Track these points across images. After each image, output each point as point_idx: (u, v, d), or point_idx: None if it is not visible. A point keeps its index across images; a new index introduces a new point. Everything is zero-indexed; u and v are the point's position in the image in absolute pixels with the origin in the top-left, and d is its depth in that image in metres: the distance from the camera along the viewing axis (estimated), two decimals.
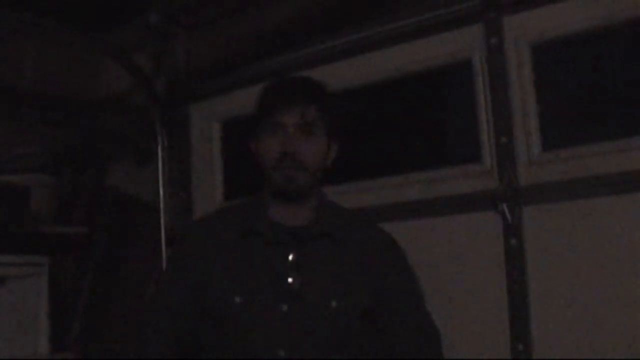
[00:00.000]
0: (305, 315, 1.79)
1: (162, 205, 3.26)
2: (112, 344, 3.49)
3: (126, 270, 3.58)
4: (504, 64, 2.40)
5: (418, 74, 2.63)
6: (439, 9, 2.51)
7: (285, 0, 2.93)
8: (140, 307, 3.38)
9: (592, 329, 2.18)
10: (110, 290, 3.62)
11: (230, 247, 1.87)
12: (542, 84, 2.38)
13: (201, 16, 3.33)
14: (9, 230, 3.29)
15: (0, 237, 3.23)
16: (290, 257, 1.82)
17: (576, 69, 2.40)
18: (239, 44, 3.16)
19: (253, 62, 3.07)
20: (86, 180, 3.84)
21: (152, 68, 3.45)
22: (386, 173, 2.70)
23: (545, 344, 2.26)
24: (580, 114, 2.40)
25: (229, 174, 3.25)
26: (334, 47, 2.79)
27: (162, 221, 3.24)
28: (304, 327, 1.79)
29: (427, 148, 2.76)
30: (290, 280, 1.80)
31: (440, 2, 2.51)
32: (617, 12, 2.20)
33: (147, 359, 1.90)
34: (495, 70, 2.41)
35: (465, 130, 2.54)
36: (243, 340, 1.80)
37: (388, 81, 2.70)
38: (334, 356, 1.82)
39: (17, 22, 3.05)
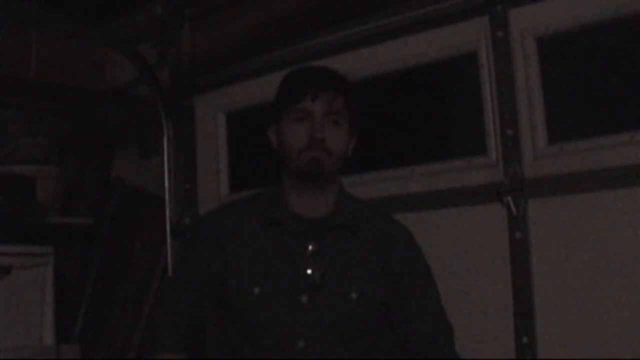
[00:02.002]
0: (325, 307, 1.80)
1: (167, 197, 3.27)
2: (116, 335, 3.51)
3: (131, 261, 3.59)
4: (509, 57, 2.40)
5: (424, 67, 2.63)
6: (445, 2, 2.51)
7: None
8: (144, 298, 3.40)
9: (596, 322, 2.19)
10: (115, 281, 3.63)
11: (249, 237, 1.87)
12: (548, 76, 2.38)
13: (206, 7, 3.33)
14: (14, 221, 3.30)
15: (6, 227, 3.24)
16: (310, 248, 1.82)
17: (582, 61, 2.40)
18: (244, 35, 3.16)
19: (258, 53, 3.07)
20: (91, 171, 3.86)
21: (157, 59, 3.45)
22: (392, 165, 2.70)
23: (549, 337, 2.27)
24: (585, 107, 2.39)
25: (234, 166, 3.25)
26: (339, 39, 2.79)
27: (166, 212, 3.26)
28: (323, 318, 1.80)
29: (433, 140, 2.76)
30: (309, 271, 1.81)
31: None
32: (623, 4, 2.20)
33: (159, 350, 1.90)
34: (501, 62, 2.41)
35: (470, 123, 2.54)
36: (262, 330, 1.80)
37: (394, 73, 2.69)
38: (353, 347, 1.83)
39: (23, 14, 3.06)
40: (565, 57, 2.41)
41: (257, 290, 1.81)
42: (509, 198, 2.34)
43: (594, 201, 2.22)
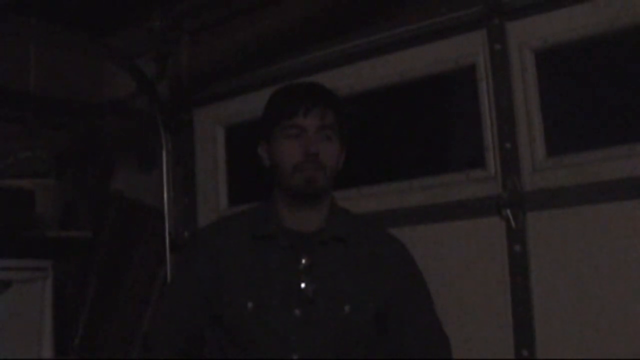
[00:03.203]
0: (319, 320, 1.81)
1: (166, 210, 3.27)
2: (115, 348, 3.50)
3: (130, 275, 3.58)
4: (507, 70, 2.40)
5: (422, 80, 2.63)
6: (442, 15, 2.51)
7: (288, 5, 2.93)
8: (143, 312, 3.39)
9: (595, 335, 2.18)
10: (114, 294, 3.62)
11: (242, 252, 1.88)
12: (546, 89, 2.38)
13: (205, 21, 3.33)
14: (14, 235, 3.30)
15: (5, 241, 3.24)
16: (303, 262, 1.83)
17: (579, 74, 2.40)
18: (242, 48, 3.16)
19: (257, 67, 3.07)
20: (90, 184, 3.85)
21: (156, 73, 3.45)
22: (390, 179, 2.70)
23: (549, 350, 2.26)
24: (583, 120, 2.40)
25: (233, 179, 3.25)
26: (337, 53, 2.80)
27: (166, 226, 3.25)
28: (317, 332, 1.80)
29: (431, 154, 2.76)
30: (302, 285, 1.81)
31: (444, 8, 2.51)
32: (621, 17, 2.21)
33: None
34: (498, 76, 2.42)
35: (469, 136, 2.54)
36: (256, 345, 1.81)
37: (392, 87, 2.70)
38: None
39: (22, 26, 3.07)
40: (563, 70, 2.42)
41: (250, 305, 1.82)
42: (508, 211, 2.34)
43: (592, 214, 2.22)
